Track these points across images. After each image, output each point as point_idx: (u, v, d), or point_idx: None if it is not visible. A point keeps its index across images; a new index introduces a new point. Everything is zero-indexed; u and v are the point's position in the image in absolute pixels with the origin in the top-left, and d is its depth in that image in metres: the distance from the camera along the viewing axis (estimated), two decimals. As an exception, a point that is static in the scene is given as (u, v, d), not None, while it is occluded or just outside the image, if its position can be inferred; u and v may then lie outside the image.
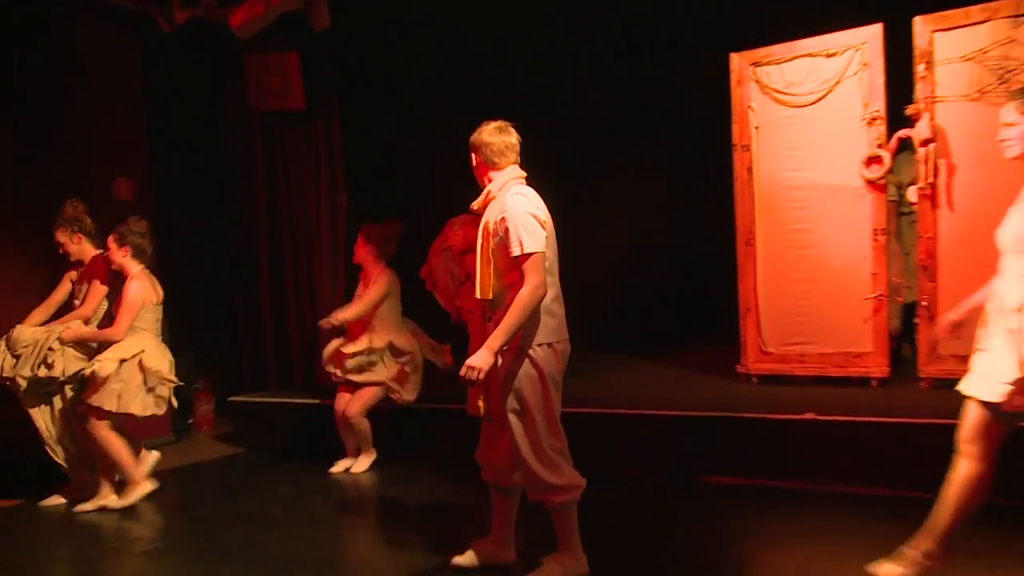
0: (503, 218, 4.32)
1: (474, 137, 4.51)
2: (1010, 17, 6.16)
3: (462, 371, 4.21)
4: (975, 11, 6.29)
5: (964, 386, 3.97)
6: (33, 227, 7.96)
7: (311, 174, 8.86)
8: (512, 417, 4.33)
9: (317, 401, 7.84)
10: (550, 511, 4.43)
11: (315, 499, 6.48)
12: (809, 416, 5.91)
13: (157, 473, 7.13)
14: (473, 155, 4.53)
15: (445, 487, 6.49)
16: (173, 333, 8.52)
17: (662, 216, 9.02)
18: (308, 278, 8.96)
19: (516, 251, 4.23)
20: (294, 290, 9.07)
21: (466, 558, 4.72)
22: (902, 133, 6.83)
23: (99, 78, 8.03)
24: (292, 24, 7.82)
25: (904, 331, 7.45)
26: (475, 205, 4.54)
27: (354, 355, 6.78)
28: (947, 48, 6.49)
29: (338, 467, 6.98)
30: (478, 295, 4.46)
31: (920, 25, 6.52)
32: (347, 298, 7.87)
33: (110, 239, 6.09)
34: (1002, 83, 6.20)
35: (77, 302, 6.29)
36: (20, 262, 7.92)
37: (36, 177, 8.13)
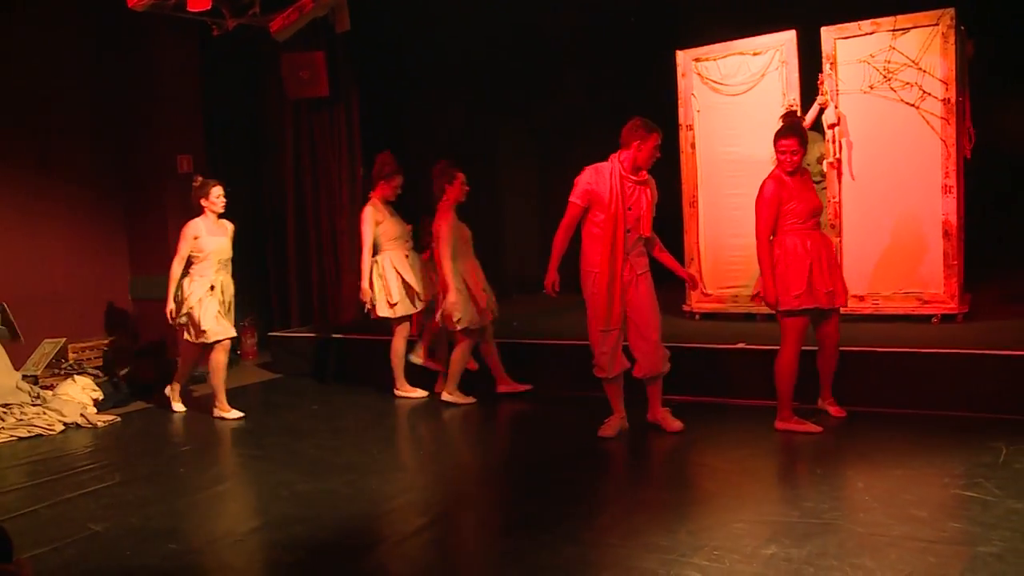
0: (653, 189, 5.48)
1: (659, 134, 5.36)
2: (890, 31, 6.81)
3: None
4: (865, 24, 6.92)
5: None
6: (110, 192, 8.65)
7: (334, 149, 9.18)
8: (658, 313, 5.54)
9: (339, 336, 8.25)
10: (661, 379, 5.56)
11: (340, 414, 6.83)
12: (740, 346, 6.40)
13: (212, 395, 7.48)
14: (656, 146, 5.36)
15: (443, 406, 6.78)
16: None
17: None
18: (332, 236, 9.27)
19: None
20: (316, 246, 9.37)
21: (608, 430, 5.55)
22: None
23: (166, 76, 8.50)
24: (320, 28, 8.19)
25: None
26: (638, 178, 5.38)
27: None
28: (846, 52, 7.01)
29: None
30: (647, 233, 5.46)
31: (826, 34, 7.09)
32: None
33: None
34: (886, 80, 6.85)
35: None
36: (100, 223, 8.44)
37: (115, 152, 8.70)
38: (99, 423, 6.68)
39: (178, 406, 7.07)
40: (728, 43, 7.51)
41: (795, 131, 5.39)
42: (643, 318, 5.45)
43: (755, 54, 7.39)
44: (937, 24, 6.66)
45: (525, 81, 9.62)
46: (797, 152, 5.33)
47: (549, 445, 5.82)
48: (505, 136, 9.08)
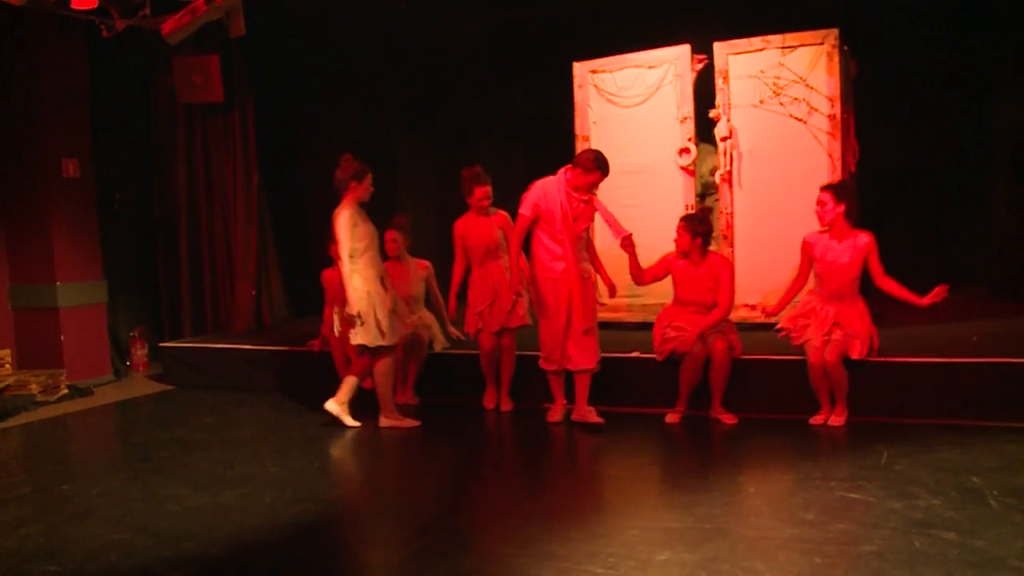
0: (598, 203, 5.93)
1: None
2: (779, 48, 7.06)
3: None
4: (756, 41, 7.15)
5: None
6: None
7: (229, 156, 9.01)
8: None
9: (232, 346, 8.13)
10: (590, 375, 5.96)
11: (233, 427, 6.65)
12: (635, 354, 6.48)
13: (99, 409, 7.39)
14: (594, 184, 5.82)
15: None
16: (112, 289, 8.69)
17: (520, 193, 9.51)
18: (226, 244, 9.11)
19: None
20: (209, 253, 9.20)
21: (555, 415, 6.11)
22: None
23: (50, 75, 8.10)
24: (214, 32, 8.04)
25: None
26: (580, 196, 5.84)
27: None
28: (738, 68, 7.22)
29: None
30: (592, 243, 6.27)
31: (719, 49, 7.28)
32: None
33: None
34: (776, 95, 7.07)
35: None
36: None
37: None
38: (-26, 440, 6.37)
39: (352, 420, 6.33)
40: (624, 56, 7.64)
41: (685, 220, 6.11)
42: (586, 318, 5.89)
43: (650, 67, 7.53)
44: (823, 43, 6.91)
45: (423, 87, 9.60)
46: (680, 239, 6.06)
47: (444, 456, 5.82)
48: (402, 142, 9.10)
